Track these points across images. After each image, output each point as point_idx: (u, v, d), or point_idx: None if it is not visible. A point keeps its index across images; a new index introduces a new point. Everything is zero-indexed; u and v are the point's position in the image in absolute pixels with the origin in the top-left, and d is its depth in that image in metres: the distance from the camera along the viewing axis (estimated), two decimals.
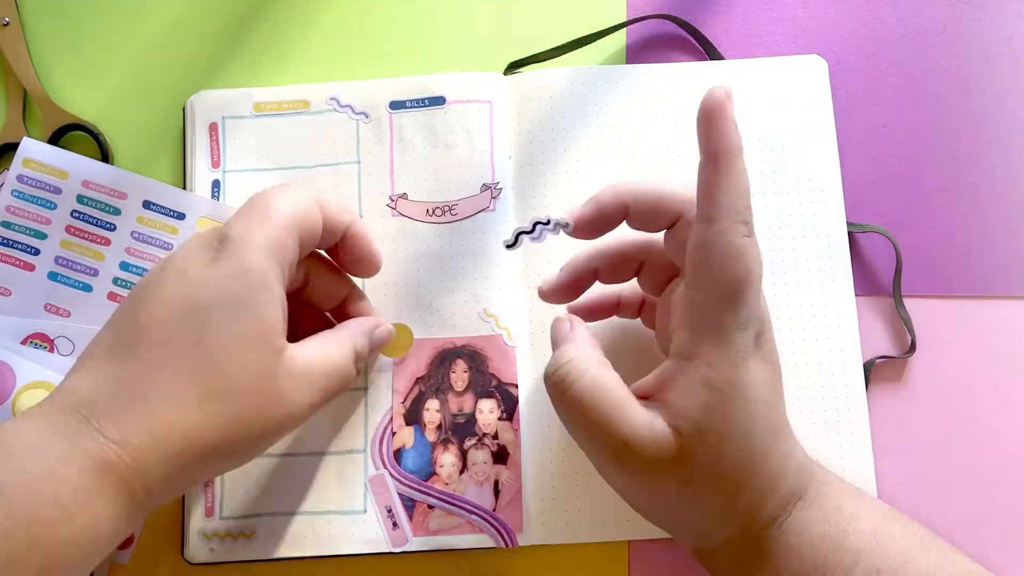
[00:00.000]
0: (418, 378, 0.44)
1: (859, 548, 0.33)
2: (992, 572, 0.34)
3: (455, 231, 0.45)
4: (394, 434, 0.43)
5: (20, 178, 0.45)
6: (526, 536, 0.42)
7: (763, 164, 0.46)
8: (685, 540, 0.37)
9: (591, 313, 0.42)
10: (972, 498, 0.44)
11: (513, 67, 0.48)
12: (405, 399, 0.44)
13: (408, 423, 0.43)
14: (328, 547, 0.42)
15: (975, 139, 0.47)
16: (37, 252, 0.45)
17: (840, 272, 0.45)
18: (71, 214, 0.45)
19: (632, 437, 0.33)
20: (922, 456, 0.44)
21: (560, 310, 0.42)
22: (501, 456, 0.43)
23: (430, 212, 0.45)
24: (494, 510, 0.42)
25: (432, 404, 0.44)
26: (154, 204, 0.46)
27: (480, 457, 0.43)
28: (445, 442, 0.43)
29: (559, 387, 0.35)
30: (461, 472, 0.43)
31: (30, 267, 0.45)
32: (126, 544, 0.43)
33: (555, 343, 0.37)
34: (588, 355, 0.35)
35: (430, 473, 0.43)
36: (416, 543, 0.42)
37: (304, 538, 0.42)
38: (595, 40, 0.48)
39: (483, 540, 0.42)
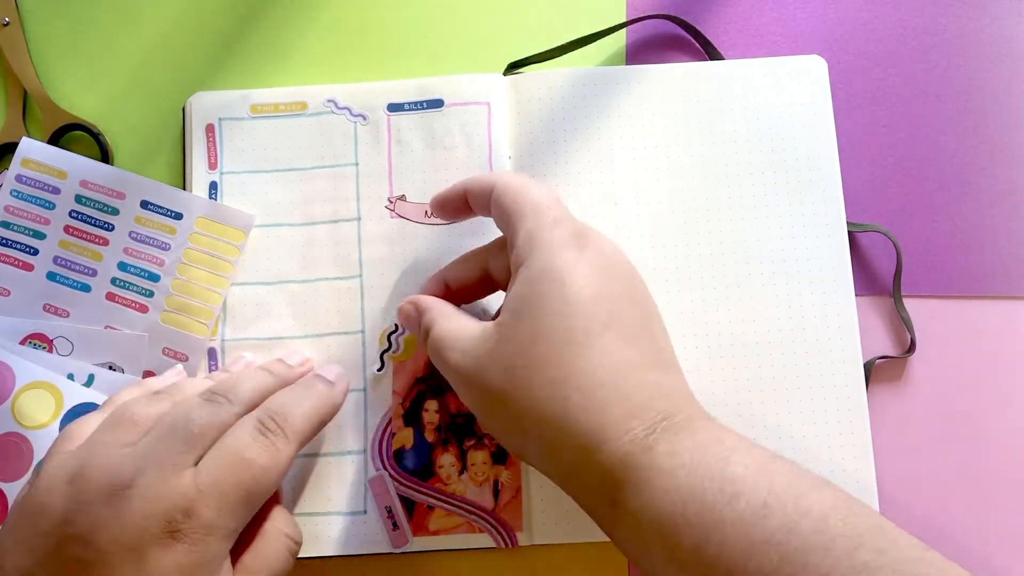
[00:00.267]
0: (417, 379, 0.44)
1: (742, 478, 0.30)
2: (992, 572, 0.34)
3: (453, 233, 0.45)
4: (393, 435, 0.43)
5: (19, 178, 0.45)
6: (526, 536, 0.42)
7: (763, 164, 0.46)
8: (547, 464, 0.35)
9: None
10: (972, 498, 0.44)
11: (512, 68, 0.48)
12: (404, 400, 0.44)
13: (407, 424, 0.43)
14: (329, 548, 0.42)
15: (975, 139, 0.47)
16: (36, 252, 0.45)
17: (840, 272, 0.45)
18: (69, 214, 0.45)
19: (466, 330, 0.36)
20: (922, 456, 0.44)
21: None
22: (501, 456, 0.43)
23: (429, 214, 0.45)
24: (494, 510, 0.42)
25: (431, 405, 0.44)
26: (152, 204, 0.46)
27: (480, 457, 0.43)
28: (444, 442, 0.43)
29: (423, 317, 0.39)
30: (461, 472, 0.43)
31: (29, 267, 0.45)
32: None
33: (405, 313, 0.40)
34: (441, 302, 0.39)
35: (430, 474, 0.43)
36: (417, 543, 0.42)
37: (304, 539, 0.42)
38: (595, 40, 0.48)
39: (483, 540, 0.42)
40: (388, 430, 0.43)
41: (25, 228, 0.45)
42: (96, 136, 0.47)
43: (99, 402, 0.42)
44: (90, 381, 0.43)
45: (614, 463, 0.32)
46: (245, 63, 0.49)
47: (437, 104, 0.47)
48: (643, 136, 0.46)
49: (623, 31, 0.49)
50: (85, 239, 0.45)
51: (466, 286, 0.41)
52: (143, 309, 0.45)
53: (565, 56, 0.48)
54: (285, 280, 0.45)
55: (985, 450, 0.44)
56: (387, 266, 0.45)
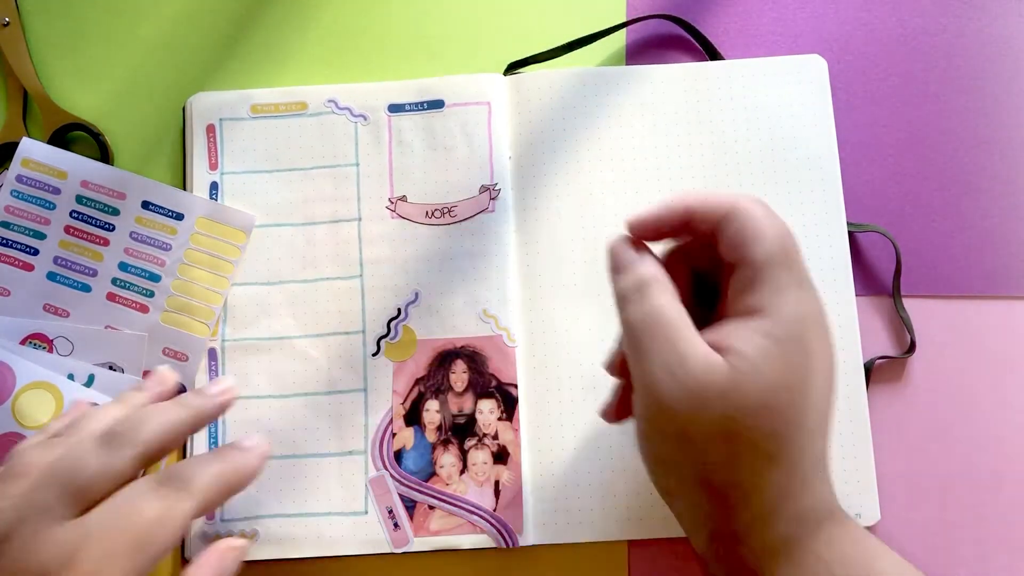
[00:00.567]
0: (418, 379, 0.44)
1: (889, 572, 0.33)
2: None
3: (454, 233, 0.45)
4: (394, 435, 0.43)
5: (19, 178, 0.45)
6: (526, 536, 0.42)
7: (763, 164, 0.46)
8: (701, 515, 0.34)
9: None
10: (972, 498, 0.44)
11: (512, 68, 0.48)
12: (405, 400, 0.44)
13: (408, 424, 0.43)
14: (329, 548, 0.42)
15: (975, 139, 0.47)
16: (36, 252, 0.45)
17: (840, 272, 0.45)
18: (70, 214, 0.45)
19: (691, 354, 0.32)
20: (922, 456, 0.44)
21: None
22: (501, 456, 0.43)
23: (429, 214, 0.45)
24: (494, 510, 0.42)
25: (432, 405, 0.44)
26: (153, 204, 0.46)
27: (480, 457, 0.43)
28: (445, 443, 0.43)
29: (642, 292, 0.33)
30: (461, 472, 0.43)
31: (29, 267, 0.45)
32: None
33: (624, 263, 0.35)
34: (667, 282, 0.34)
35: (430, 474, 0.43)
36: (417, 544, 0.42)
37: (305, 539, 0.42)
38: (595, 40, 0.48)
39: (484, 540, 0.42)
40: (389, 430, 0.43)
41: (25, 228, 0.45)
42: (96, 136, 0.47)
43: (100, 401, 0.42)
44: (90, 381, 0.43)
45: (782, 533, 0.33)
46: (245, 63, 0.49)
47: (438, 105, 0.47)
48: (643, 136, 0.46)
49: (623, 31, 0.49)
50: (86, 239, 0.45)
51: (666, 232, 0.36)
52: (144, 309, 0.45)
53: (565, 56, 0.48)
54: (285, 280, 0.45)
55: (985, 450, 0.44)
56: (388, 266, 0.45)
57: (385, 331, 0.44)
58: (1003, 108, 0.48)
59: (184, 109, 0.47)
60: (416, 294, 0.45)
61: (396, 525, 0.42)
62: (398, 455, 0.43)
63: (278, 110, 0.47)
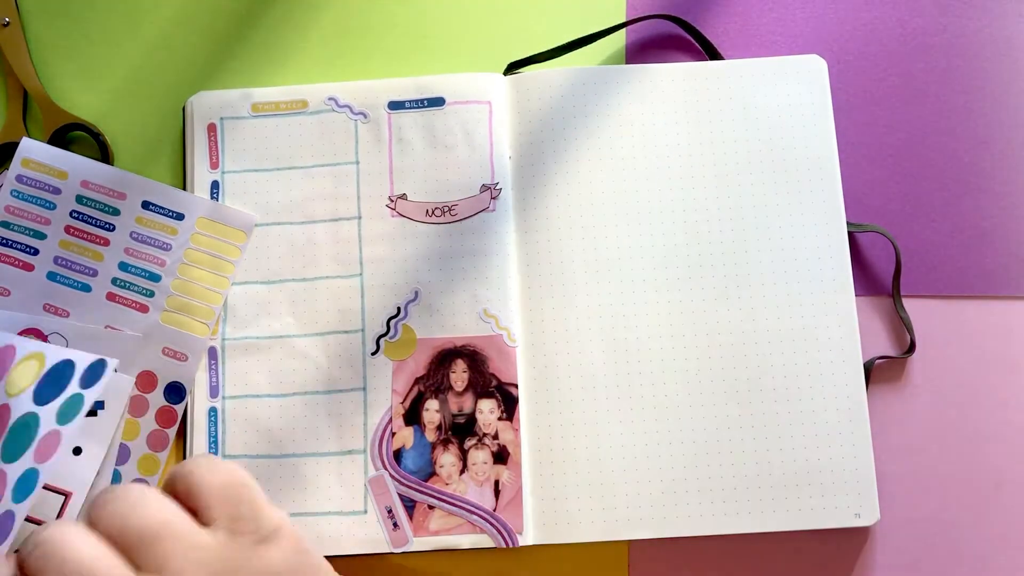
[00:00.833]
0: (417, 378, 0.44)
1: None
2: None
3: (455, 231, 0.45)
4: (394, 434, 0.43)
5: (19, 178, 0.45)
6: (526, 536, 0.42)
7: (763, 164, 0.46)
8: None
9: None
10: (972, 498, 0.44)
11: (513, 67, 0.48)
12: (404, 399, 0.44)
13: (408, 423, 0.43)
14: (329, 548, 0.42)
15: (975, 139, 0.47)
16: (36, 252, 0.45)
17: (840, 272, 0.45)
18: (70, 214, 0.45)
19: None
20: (922, 456, 0.44)
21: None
22: (501, 456, 0.43)
23: (430, 212, 0.45)
24: (494, 510, 0.42)
25: (432, 404, 0.44)
26: (153, 204, 0.46)
27: (480, 457, 0.43)
28: (445, 442, 0.43)
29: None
30: (461, 472, 0.43)
31: (29, 267, 0.45)
32: None
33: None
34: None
35: (430, 473, 0.43)
36: (417, 543, 0.42)
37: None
38: (595, 40, 0.48)
39: (483, 540, 0.42)
40: (388, 429, 0.43)
41: (25, 228, 0.45)
42: (96, 136, 0.47)
43: (76, 361, 0.40)
44: None
45: None
46: (245, 62, 0.49)
47: (438, 103, 0.47)
48: (643, 136, 0.46)
49: (623, 31, 0.49)
50: (86, 239, 0.45)
51: None
52: (144, 309, 0.45)
53: (565, 56, 0.48)
54: (285, 279, 0.45)
55: (985, 450, 0.44)
56: (388, 265, 0.45)
57: (385, 330, 0.44)
58: (1003, 108, 0.48)
59: (184, 108, 0.47)
60: (416, 293, 0.45)
61: (395, 525, 0.42)
62: (397, 455, 0.43)
63: (279, 108, 0.47)
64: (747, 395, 0.43)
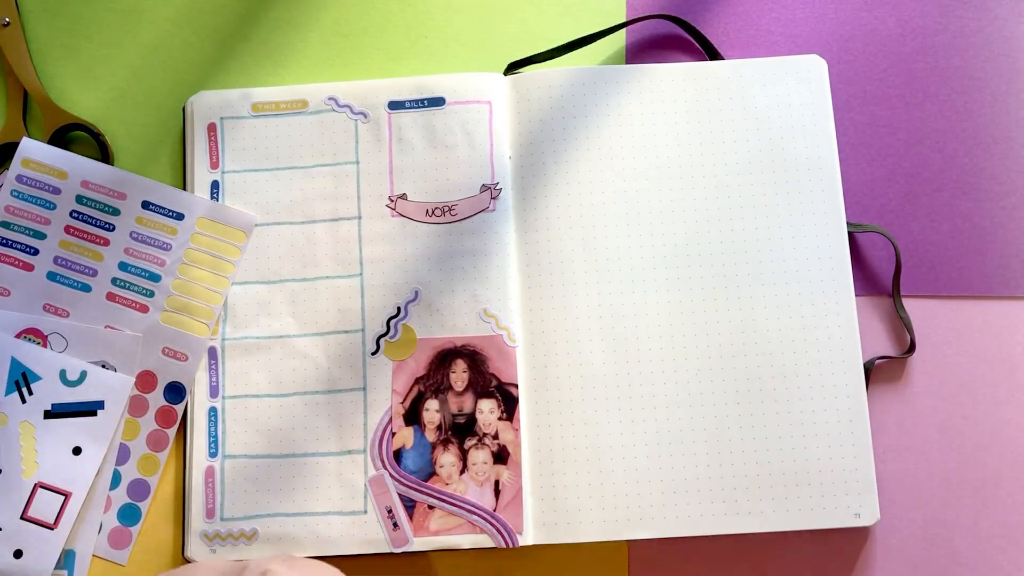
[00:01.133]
0: (417, 378, 0.44)
1: None
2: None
3: (455, 231, 0.45)
4: (394, 434, 0.43)
5: (19, 178, 0.45)
6: (526, 536, 0.42)
7: (763, 164, 0.46)
8: None
9: None
10: (972, 498, 0.44)
11: (513, 67, 0.48)
12: (404, 399, 0.44)
13: (408, 423, 0.43)
14: (329, 548, 0.42)
15: (975, 139, 0.47)
16: (36, 252, 0.45)
17: (840, 272, 0.45)
18: (70, 214, 0.45)
19: None
20: (922, 456, 0.44)
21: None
22: (501, 456, 0.43)
23: (430, 212, 0.45)
24: (494, 510, 0.42)
25: (432, 404, 0.44)
26: (153, 204, 0.46)
27: (480, 457, 0.43)
28: (445, 442, 0.43)
29: None
30: (461, 472, 0.43)
31: (29, 267, 0.45)
32: (123, 544, 0.43)
33: None
34: None
35: (430, 473, 0.43)
36: (417, 543, 0.42)
37: (304, 539, 0.42)
38: (595, 40, 0.48)
39: (483, 540, 0.42)
40: (388, 429, 0.43)
41: (25, 228, 0.45)
42: (96, 136, 0.47)
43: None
44: (82, 378, 0.43)
45: None
46: (245, 63, 0.49)
47: (439, 102, 0.47)
48: (643, 135, 0.46)
49: (623, 31, 0.49)
50: (86, 239, 0.45)
51: None
52: (143, 309, 0.45)
53: (565, 56, 0.48)
54: (285, 279, 0.45)
55: (985, 450, 0.44)
56: (388, 265, 0.45)
57: (385, 330, 0.44)
58: (1003, 108, 0.48)
59: (184, 108, 0.47)
60: (416, 293, 0.45)
61: (395, 525, 0.42)
62: (397, 454, 0.43)
63: (279, 108, 0.47)
64: (747, 395, 0.43)
